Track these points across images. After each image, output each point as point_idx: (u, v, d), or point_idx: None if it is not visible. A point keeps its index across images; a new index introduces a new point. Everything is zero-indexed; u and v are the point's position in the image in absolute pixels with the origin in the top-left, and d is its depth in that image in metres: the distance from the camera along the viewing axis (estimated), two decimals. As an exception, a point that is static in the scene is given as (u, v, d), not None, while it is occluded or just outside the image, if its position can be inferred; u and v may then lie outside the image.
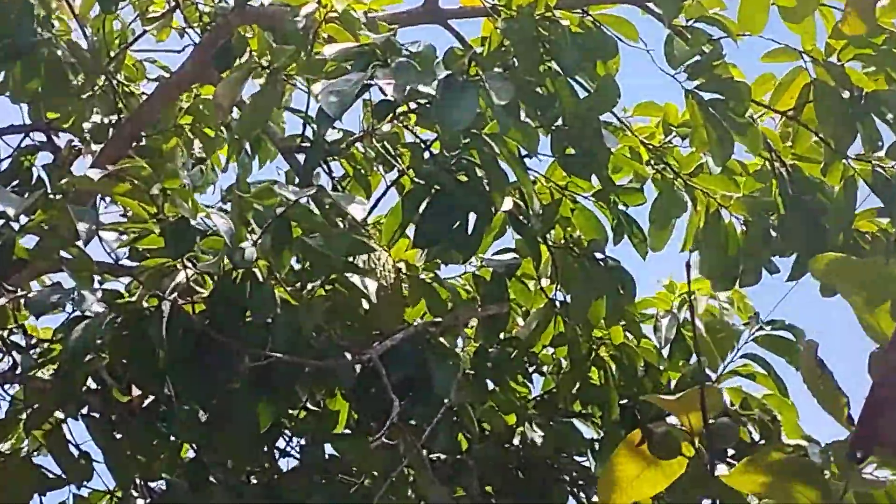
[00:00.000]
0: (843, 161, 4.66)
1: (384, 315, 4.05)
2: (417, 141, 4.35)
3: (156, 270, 3.33)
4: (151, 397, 3.52)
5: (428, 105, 3.86)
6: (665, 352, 5.09)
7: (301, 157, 4.80)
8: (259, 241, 3.28)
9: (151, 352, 3.27)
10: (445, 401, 3.51)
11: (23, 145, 5.56)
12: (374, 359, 3.25)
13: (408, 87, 3.66)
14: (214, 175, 5.54)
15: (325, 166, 4.86)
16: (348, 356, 3.43)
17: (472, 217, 4.14)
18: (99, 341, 3.32)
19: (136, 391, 3.60)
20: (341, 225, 3.68)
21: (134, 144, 5.38)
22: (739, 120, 4.47)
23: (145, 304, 3.33)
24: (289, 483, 3.76)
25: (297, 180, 4.89)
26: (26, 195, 5.44)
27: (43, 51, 5.20)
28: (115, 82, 5.51)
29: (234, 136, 5.14)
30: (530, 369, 4.91)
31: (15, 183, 5.64)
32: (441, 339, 3.86)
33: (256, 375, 3.26)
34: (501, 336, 4.74)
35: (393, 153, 4.52)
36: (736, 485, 2.23)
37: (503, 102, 3.71)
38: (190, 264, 3.29)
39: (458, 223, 4.06)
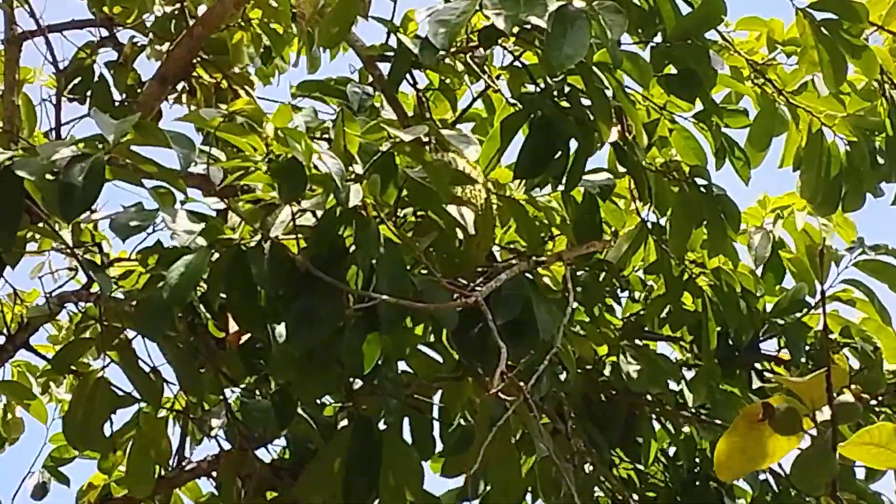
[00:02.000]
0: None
1: (476, 240, 4.15)
2: (516, 63, 4.39)
3: (260, 207, 3.43)
4: (248, 335, 3.64)
5: (531, 29, 3.91)
6: (759, 271, 5.20)
7: (383, 67, 4.86)
8: (364, 177, 3.37)
9: (253, 289, 3.38)
10: (551, 344, 3.61)
11: (84, 41, 5.61)
12: (479, 301, 3.34)
13: (518, 17, 3.70)
14: (283, 63, 5.60)
15: (408, 77, 4.93)
16: (449, 294, 3.51)
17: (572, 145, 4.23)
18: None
19: (233, 327, 3.73)
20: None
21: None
22: (854, 42, 4.49)
23: (246, 241, 3.42)
24: (366, 405, 3.89)
25: (370, 79, 4.99)
26: (89, 95, 5.66)
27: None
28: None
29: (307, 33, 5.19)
30: (620, 293, 5.02)
31: (77, 80, 5.73)
32: (539, 279, 3.94)
33: (360, 316, 3.36)
34: (592, 258, 4.84)
35: (484, 71, 4.58)
36: (854, 457, 2.36)
37: (617, 36, 3.75)
38: (294, 201, 3.39)
39: (558, 153, 4.13)
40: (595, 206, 4.73)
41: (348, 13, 4.61)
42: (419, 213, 3.94)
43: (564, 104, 4.17)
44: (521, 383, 3.26)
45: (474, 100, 4.95)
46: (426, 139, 4.70)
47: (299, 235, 3.40)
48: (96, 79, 5.70)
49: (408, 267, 3.59)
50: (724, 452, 2.52)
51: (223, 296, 3.54)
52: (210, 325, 3.80)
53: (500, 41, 4.29)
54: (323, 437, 4.03)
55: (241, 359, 3.71)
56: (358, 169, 3.41)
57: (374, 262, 3.42)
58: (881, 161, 4.90)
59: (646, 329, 5.13)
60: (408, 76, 4.95)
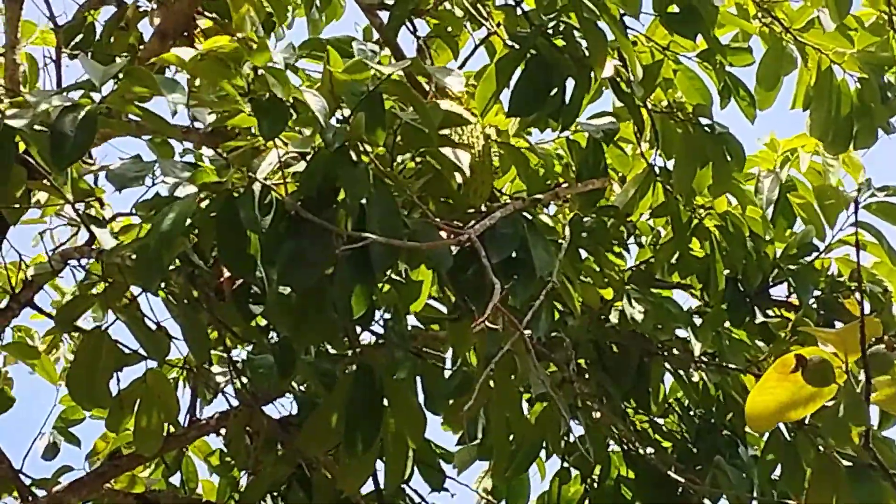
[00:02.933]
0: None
1: (473, 184, 4.14)
2: (510, 2, 4.37)
3: (246, 150, 3.43)
4: (241, 280, 3.64)
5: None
6: (769, 213, 5.17)
7: (383, 15, 4.85)
8: (351, 118, 3.35)
9: (243, 234, 3.38)
10: (548, 281, 3.60)
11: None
12: (473, 239, 3.33)
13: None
14: (282, 32, 5.61)
15: (409, 24, 4.92)
16: (444, 236, 3.51)
17: (569, 83, 4.21)
18: (188, 222, 3.42)
19: (226, 273, 3.73)
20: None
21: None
22: (857, -27, 4.47)
23: (235, 185, 3.42)
24: (371, 358, 3.89)
25: (375, 36, 4.98)
26: (90, 55, 5.65)
27: None
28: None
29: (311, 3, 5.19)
30: (627, 239, 4.99)
31: (79, 38, 5.73)
32: (542, 216, 3.93)
33: (351, 257, 3.36)
34: (597, 204, 4.82)
35: (483, 13, 4.56)
36: (887, 407, 2.36)
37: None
38: (281, 143, 3.38)
39: (554, 90, 4.11)
40: (599, 150, 4.72)
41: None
42: (417, 157, 3.94)
43: (560, 42, 4.15)
44: (517, 321, 3.24)
45: (476, 47, 4.95)
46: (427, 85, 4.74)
47: (288, 179, 3.38)
48: (98, 37, 5.69)
49: (402, 209, 3.58)
50: (756, 403, 2.54)
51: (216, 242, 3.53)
52: (203, 273, 3.80)
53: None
54: (327, 389, 4.03)
55: (234, 305, 3.70)
56: (346, 109, 3.40)
57: (364, 203, 3.40)
58: (891, 96, 4.85)
59: (656, 276, 5.12)
60: (409, 24, 4.95)
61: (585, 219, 4.80)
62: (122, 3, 5.60)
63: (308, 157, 3.44)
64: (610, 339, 4.78)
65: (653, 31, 4.74)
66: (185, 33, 5.34)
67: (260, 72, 3.24)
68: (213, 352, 4.73)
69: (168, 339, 4.37)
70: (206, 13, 5.53)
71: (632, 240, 4.98)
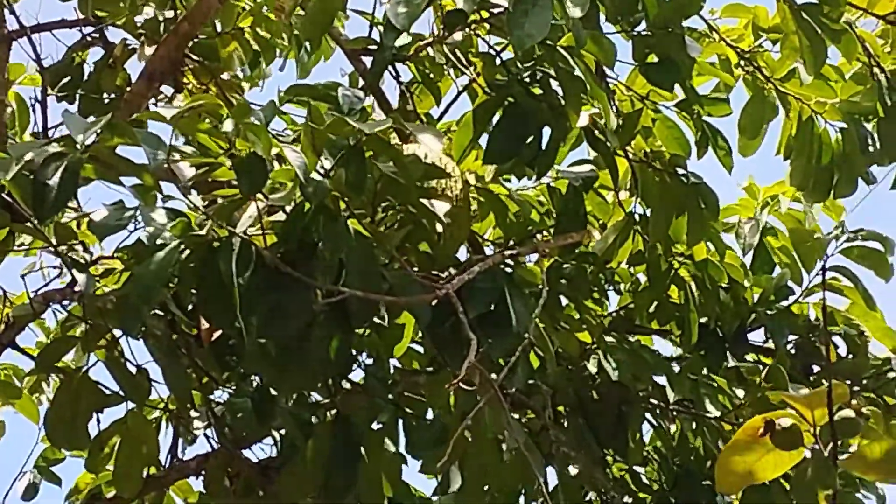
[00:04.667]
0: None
1: (451, 230, 4.21)
2: (490, 50, 4.45)
3: (227, 203, 3.49)
4: (220, 331, 3.71)
5: (501, 13, 3.97)
6: (747, 260, 5.25)
7: (367, 60, 4.93)
8: (332, 172, 3.43)
9: (223, 286, 3.44)
10: (525, 336, 3.66)
11: (75, 41, 5.69)
12: (450, 294, 3.40)
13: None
14: (268, 70, 5.69)
15: (392, 70, 5.00)
16: (423, 290, 3.57)
17: (546, 131, 4.28)
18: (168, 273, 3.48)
19: (205, 323, 3.79)
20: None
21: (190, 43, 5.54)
22: (834, 26, 4.54)
23: (216, 237, 3.48)
24: (350, 407, 3.95)
25: (360, 83, 5.05)
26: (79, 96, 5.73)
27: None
28: (168, -28, 5.62)
29: (295, 37, 5.26)
30: (607, 286, 5.07)
31: (66, 79, 5.81)
32: (520, 270, 4.00)
33: (330, 311, 3.42)
34: (577, 251, 4.89)
35: (464, 60, 4.64)
36: (855, 470, 2.43)
37: (578, 15, 3.80)
38: (262, 197, 3.45)
39: (530, 138, 4.18)
40: (579, 198, 4.80)
41: (329, 6, 4.66)
42: (399, 207, 4.01)
43: (537, 91, 4.22)
44: (494, 375, 3.31)
45: (458, 94, 5.01)
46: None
47: (267, 231, 3.45)
48: (86, 77, 5.76)
49: (384, 261, 3.64)
50: (724, 467, 2.61)
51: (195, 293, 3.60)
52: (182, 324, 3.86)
53: (473, 28, 4.35)
54: (305, 437, 4.09)
55: (213, 356, 3.77)
56: (327, 164, 3.47)
57: (343, 256, 3.47)
58: (871, 146, 4.93)
59: (636, 323, 5.19)
60: (392, 70, 5.03)
61: (565, 266, 4.89)
62: (110, 44, 5.68)
63: (289, 210, 3.50)
64: (589, 387, 4.83)
65: (633, 80, 4.82)
66: (172, 77, 5.43)
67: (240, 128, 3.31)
68: (195, 391, 4.78)
69: (148, 381, 4.44)
70: (193, 55, 5.63)
71: (611, 287, 5.05)
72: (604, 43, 4.12)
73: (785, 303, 5.11)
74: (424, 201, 3.87)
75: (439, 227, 3.92)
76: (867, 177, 5.00)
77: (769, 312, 5.08)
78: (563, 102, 4.20)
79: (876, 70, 4.87)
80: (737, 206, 5.44)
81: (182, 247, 3.47)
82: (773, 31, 4.92)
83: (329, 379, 3.89)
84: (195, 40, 5.62)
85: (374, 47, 4.97)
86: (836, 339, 5.15)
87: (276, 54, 5.73)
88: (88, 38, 5.64)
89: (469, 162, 4.61)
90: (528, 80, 4.28)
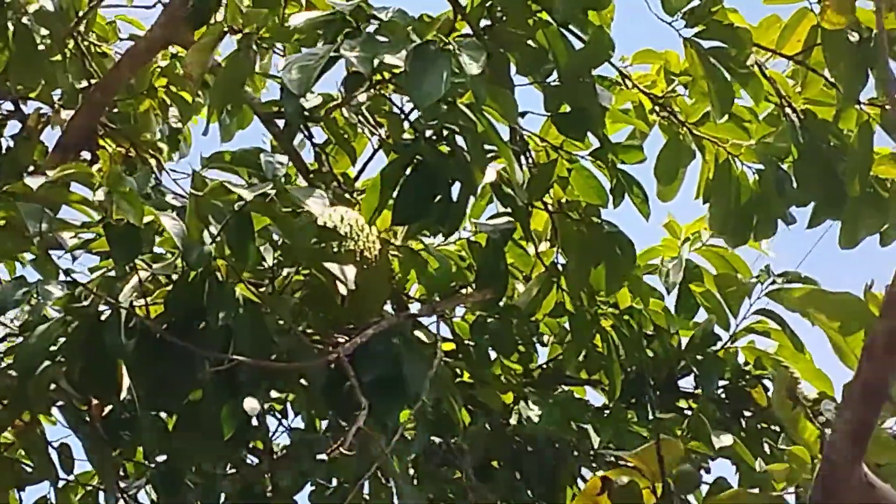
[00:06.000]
0: (857, 106, 4.62)
1: (370, 292, 4.08)
2: (395, 110, 4.34)
3: (109, 276, 3.36)
4: (110, 406, 3.56)
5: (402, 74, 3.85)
6: (672, 301, 5.12)
7: (281, 123, 4.82)
8: (217, 239, 3.30)
9: (108, 359, 3.31)
10: (421, 399, 3.53)
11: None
12: (342, 358, 3.27)
13: (375, 60, 3.64)
14: (186, 147, 5.59)
15: (305, 131, 4.89)
16: (318, 355, 3.44)
17: (456, 188, 4.16)
18: (55, 347, 3.36)
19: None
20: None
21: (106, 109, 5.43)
22: (741, 70, 4.44)
23: (102, 309, 3.35)
24: (257, 476, 3.81)
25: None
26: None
27: (9, 18, 5.21)
28: (85, 44, 5.52)
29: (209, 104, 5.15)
30: (533, 339, 4.93)
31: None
32: (417, 332, 3.87)
33: (220, 380, 3.28)
34: (501, 305, 4.77)
35: (373, 121, 4.53)
36: None
37: (476, 72, 3.69)
38: (146, 266, 3.32)
39: (439, 196, 4.06)
40: (499, 251, 4.67)
41: (237, 73, 4.55)
42: (304, 271, 3.89)
43: (444, 148, 4.10)
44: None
45: (375, 152, 4.89)
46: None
47: (149, 301, 3.32)
48: (3, 151, 5.64)
49: (284, 327, 3.51)
50: None
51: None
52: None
53: (378, 88, 4.24)
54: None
55: (104, 431, 3.62)
56: (214, 231, 3.34)
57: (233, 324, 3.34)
58: (787, 187, 4.81)
59: (567, 374, 5.06)
60: (306, 132, 4.92)
61: (489, 320, 4.77)
62: (26, 116, 5.56)
63: (175, 280, 3.37)
64: (516, 441, 4.69)
65: (546, 130, 4.70)
66: (87, 147, 5.31)
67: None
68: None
69: (70, 458, 4.30)
70: (110, 124, 5.51)
71: (536, 339, 4.91)
72: (505, 98, 4.00)
73: (713, 348, 4.97)
74: (329, 265, 3.74)
75: (343, 290, 3.79)
76: (787, 217, 4.88)
77: (698, 358, 4.95)
78: (468, 159, 4.09)
79: (788, 110, 4.76)
80: (659, 248, 5.31)
81: (69, 319, 3.33)
82: (684, 76, 4.80)
83: (232, 450, 3.71)
84: (114, 109, 5.53)
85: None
86: (767, 381, 5.03)
87: (192, 116, 5.61)
88: (4, 112, 5.52)
89: (385, 220, 4.49)
90: (434, 137, 4.17)
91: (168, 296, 3.37)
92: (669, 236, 5.31)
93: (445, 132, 4.13)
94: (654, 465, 2.36)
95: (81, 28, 5.58)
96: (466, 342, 4.86)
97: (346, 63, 3.75)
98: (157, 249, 3.58)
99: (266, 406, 4.02)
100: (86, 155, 5.30)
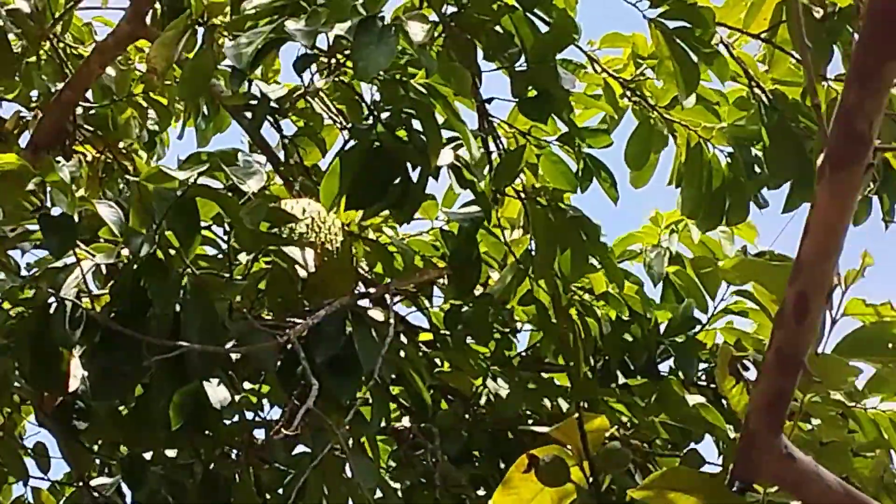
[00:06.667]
0: (824, 84, 4.52)
1: (332, 282, 4.00)
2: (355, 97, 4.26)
3: (52, 267, 3.29)
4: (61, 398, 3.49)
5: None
6: (657, 293, 5.03)
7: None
8: (159, 226, 3.22)
9: (54, 350, 3.24)
10: (374, 378, 3.44)
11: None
12: (292, 340, 3.19)
13: (321, 35, 3.55)
14: (163, 150, 5.52)
15: (272, 123, 4.82)
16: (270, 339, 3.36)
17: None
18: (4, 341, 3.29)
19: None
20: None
21: (81, 111, 5.36)
22: (705, 50, 4.34)
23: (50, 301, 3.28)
24: (224, 467, 3.73)
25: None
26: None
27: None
28: (61, 46, 5.45)
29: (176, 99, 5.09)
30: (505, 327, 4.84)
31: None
32: (372, 312, 3.78)
33: (168, 367, 3.21)
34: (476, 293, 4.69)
35: (334, 109, 4.45)
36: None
37: (421, 40, 3.60)
38: (90, 256, 3.25)
39: (396, 181, 3.97)
40: (471, 239, 4.58)
41: (203, 65, 4.47)
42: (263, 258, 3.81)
43: (403, 133, 4.01)
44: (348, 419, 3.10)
45: (346, 143, 4.81)
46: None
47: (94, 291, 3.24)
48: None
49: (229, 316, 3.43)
50: None
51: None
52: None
53: (336, 73, 4.15)
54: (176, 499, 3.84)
55: (56, 422, 3.55)
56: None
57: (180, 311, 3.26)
58: (758, 170, 4.71)
59: (546, 361, 4.97)
60: (273, 124, 4.85)
61: (464, 308, 4.69)
62: (2, 120, 5.49)
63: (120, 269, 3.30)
64: (487, 427, 4.60)
65: (514, 117, 4.61)
66: (60, 145, 5.23)
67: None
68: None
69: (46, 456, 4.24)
70: (87, 126, 5.44)
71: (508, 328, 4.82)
72: (458, 73, 3.91)
73: (693, 331, 4.87)
74: (289, 249, 3.66)
75: (303, 273, 3.71)
76: (759, 201, 4.78)
77: (678, 341, 4.84)
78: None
79: (757, 91, 4.66)
80: (639, 234, 5.21)
81: (16, 311, 3.27)
82: (651, 59, 4.71)
83: (186, 438, 3.62)
84: (91, 112, 5.46)
85: (254, 102, 4.79)
86: (747, 362, 4.90)
87: (171, 121, 5.53)
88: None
89: (351, 214, 4.40)
90: (392, 122, 4.08)
91: (112, 286, 3.29)
92: (650, 224, 5.21)
93: (404, 115, 4.04)
94: (574, 439, 2.26)
95: (58, 30, 5.50)
96: (443, 332, 4.79)
97: (291, 37, 3.65)
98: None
99: (239, 398, 3.93)
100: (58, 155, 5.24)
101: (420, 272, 4.28)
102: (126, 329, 3.17)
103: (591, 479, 2.26)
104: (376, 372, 3.37)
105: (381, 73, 3.83)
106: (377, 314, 3.67)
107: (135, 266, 3.24)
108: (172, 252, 3.27)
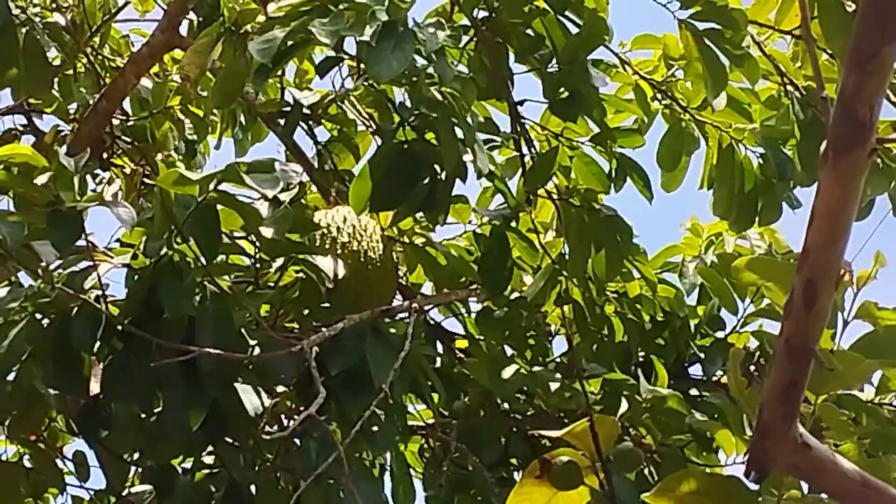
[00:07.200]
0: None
1: (375, 289, 3.95)
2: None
3: (71, 271, 3.24)
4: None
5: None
6: (693, 300, 4.92)
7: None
8: (179, 231, 3.16)
9: (76, 355, 3.20)
10: (384, 392, 3.35)
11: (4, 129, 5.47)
12: (305, 350, 3.12)
13: (341, 34, 3.49)
14: (203, 159, 5.48)
15: (306, 129, 4.78)
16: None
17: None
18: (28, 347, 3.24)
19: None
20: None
21: (118, 123, 5.34)
22: (736, 52, 4.24)
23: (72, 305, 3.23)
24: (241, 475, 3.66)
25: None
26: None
27: (21, 32, 5.12)
28: (98, 59, 5.43)
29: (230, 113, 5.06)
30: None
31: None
32: (390, 326, 3.71)
33: (182, 372, 3.15)
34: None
35: (365, 113, 4.39)
36: None
37: (436, 47, 3.53)
38: (109, 259, 3.20)
39: (423, 182, 3.90)
40: (503, 243, 4.50)
41: (236, 72, 4.43)
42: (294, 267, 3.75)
43: (431, 135, 3.94)
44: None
45: (379, 148, 4.75)
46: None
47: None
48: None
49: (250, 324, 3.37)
50: None
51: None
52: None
53: (367, 78, 4.08)
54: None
55: (79, 428, 3.49)
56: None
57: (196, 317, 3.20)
58: (789, 170, 4.60)
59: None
60: (308, 130, 4.80)
61: (496, 312, 4.61)
62: (41, 132, 5.47)
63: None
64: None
65: (547, 119, 4.54)
66: (101, 155, 5.21)
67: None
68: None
69: (86, 465, 4.19)
70: (125, 137, 5.42)
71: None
72: (464, 80, 3.85)
73: (721, 333, 4.76)
74: (323, 260, 3.61)
75: (329, 285, 3.66)
76: (792, 201, 4.67)
77: (705, 344, 4.74)
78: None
79: (790, 88, 4.55)
80: (681, 246, 5.11)
81: (37, 316, 3.22)
82: (682, 59, 4.61)
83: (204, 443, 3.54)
84: (129, 124, 5.44)
85: (288, 109, 4.76)
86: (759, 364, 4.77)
87: (208, 131, 5.49)
88: (19, 129, 5.42)
89: (387, 217, 4.34)
90: (419, 124, 4.01)
91: (128, 288, 3.24)
92: (691, 235, 5.12)
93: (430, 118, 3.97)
94: (586, 443, 2.19)
95: (96, 42, 5.48)
96: (478, 338, 4.73)
97: (315, 38, 3.59)
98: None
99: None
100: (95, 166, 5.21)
101: (450, 291, 4.22)
102: (139, 331, 3.10)
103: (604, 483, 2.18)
104: (386, 387, 3.27)
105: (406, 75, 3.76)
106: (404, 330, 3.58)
107: (152, 270, 3.17)
108: (189, 259, 3.20)
